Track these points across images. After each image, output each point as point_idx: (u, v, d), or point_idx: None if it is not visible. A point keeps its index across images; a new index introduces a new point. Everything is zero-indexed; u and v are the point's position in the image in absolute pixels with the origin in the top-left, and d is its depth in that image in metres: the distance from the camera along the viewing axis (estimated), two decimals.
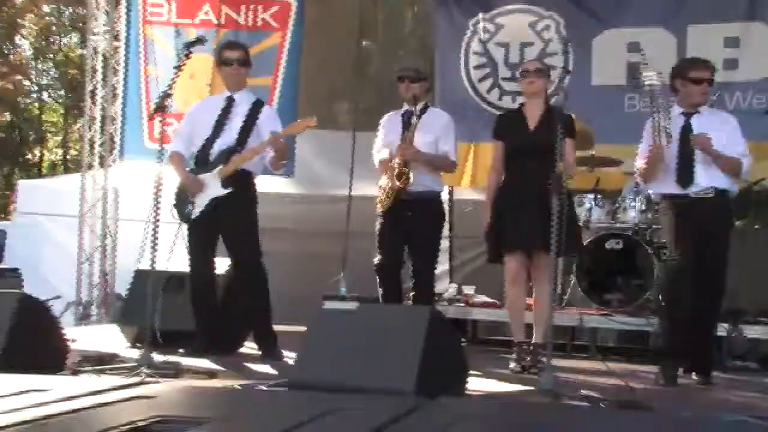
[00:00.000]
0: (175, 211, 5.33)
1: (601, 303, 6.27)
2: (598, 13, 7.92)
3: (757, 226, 6.64)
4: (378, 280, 5.54)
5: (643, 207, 6.32)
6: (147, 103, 8.55)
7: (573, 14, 7.98)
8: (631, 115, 7.42)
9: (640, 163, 5.17)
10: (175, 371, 4.10)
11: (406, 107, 5.62)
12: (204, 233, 5.27)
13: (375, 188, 8.96)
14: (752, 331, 5.76)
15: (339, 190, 8.95)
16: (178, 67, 5.14)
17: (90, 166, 8.58)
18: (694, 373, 4.90)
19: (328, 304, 3.59)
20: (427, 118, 5.52)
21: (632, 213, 6.39)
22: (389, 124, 5.69)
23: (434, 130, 5.46)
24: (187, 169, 5.46)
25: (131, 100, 8.54)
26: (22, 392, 2.69)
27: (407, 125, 5.50)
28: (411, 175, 5.35)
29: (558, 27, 8.01)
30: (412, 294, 5.55)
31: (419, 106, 5.51)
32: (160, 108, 4.79)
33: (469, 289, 7.22)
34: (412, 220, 5.38)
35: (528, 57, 8.07)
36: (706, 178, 5.00)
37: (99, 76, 8.54)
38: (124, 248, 8.64)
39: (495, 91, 8.13)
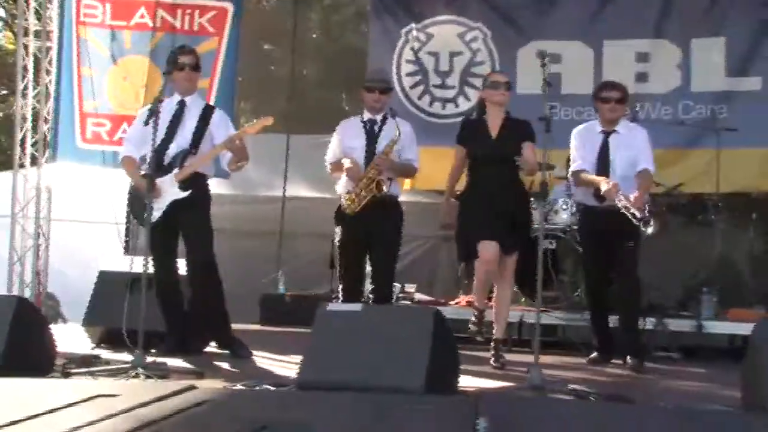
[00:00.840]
0: (131, 216, 5.42)
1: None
2: (523, 27, 8.42)
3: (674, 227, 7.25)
4: (342, 288, 5.73)
5: (573, 210, 6.77)
6: (80, 103, 8.50)
7: (499, 26, 8.45)
8: (554, 122, 7.85)
9: (577, 169, 5.61)
10: (166, 372, 4.24)
11: (367, 115, 5.82)
12: (164, 236, 5.32)
13: (306, 190, 9.31)
14: (674, 325, 6.29)
15: (272, 192, 9.14)
16: (169, 72, 5.26)
17: (21, 166, 8.46)
18: (628, 357, 5.38)
19: (332, 306, 3.77)
20: (390, 127, 5.76)
21: (563, 215, 6.86)
22: (348, 130, 5.87)
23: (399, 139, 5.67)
24: (141, 173, 5.48)
25: (64, 100, 8.46)
26: (91, 398, 2.77)
27: (371, 133, 5.74)
28: (385, 182, 5.59)
29: (485, 38, 8.45)
30: (372, 295, 5.75)
31: (381, 115, 5.78)
32: (154, 112, 4.86)
33: (410, 287, 7.52)
34: (375, 223, 5.59)
35: (457, 66, 8.51)
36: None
37: (30, 76, 8.43)
38: (55, 248, 8.59)
39: (426, 98, 8.50)
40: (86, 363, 4.41)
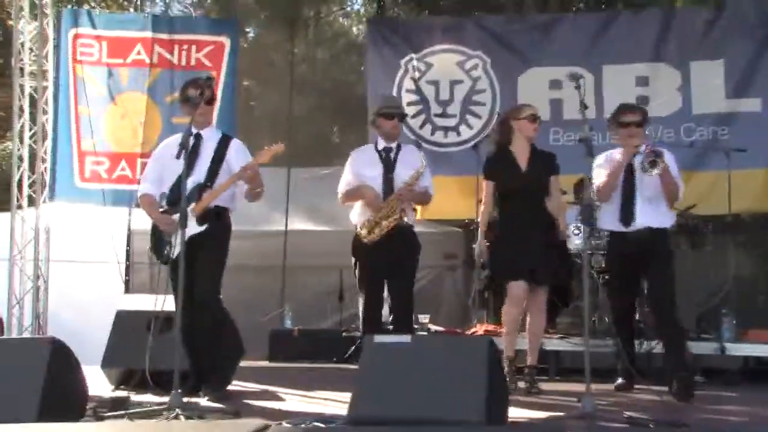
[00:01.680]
0: (153, 254, 5.21)
1: (552, 326, 6.58)
2: (522, 53, 8.40)
3: (684, 248, 7.16)
4: (364, 318, 5.61)
5: (587, 234, 6.65)
6: (78, 142, 8.35)
7: (499, 54, 8.43)
8: (557, 147, 7.80)
9: (598, 182, 5.47)
10: (203, 412, 4.07)
11: (382, 144, 5.70)
12: (184, 272, 5.14)
13: (306, 223, 9.17)
14: (696, 348, 6.17)
15: (273, 226, 8.99)
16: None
17: (19, 207, 8.25)
18: (674, 384, 5.15)
19: (379, 338, 3.61)
20: (404, 155, 5.67)
21: (576, 240, 6.74)
22: (363, 159, 5.75)
23: (415, 166, 5.57)
24: (160, 210, 5.35)
25: (62, 139, 8.32)
26: None
27: (387, 162, 5.63)
28: (406, 212, 5.51)
29: (485, 66, 8.41)
30: (392, 325, 5.62)
31: (395, 143, 5.69)
32: (184, 146, 4.70)
33: (424, 318, 7.38)
34: (395, 252, 5.47)
35: (457, 94, 8.45)
36: (644, 218, 5.39)
37: (26, 116, 8.26)
38: (52, 290, 8.37)
39: (427, 127, 8.43)
40: (118, 405, 4.22)
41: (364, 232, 5.54)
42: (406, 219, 5.53)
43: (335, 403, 4.80)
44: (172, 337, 5.24)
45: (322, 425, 3.48)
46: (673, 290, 5.28)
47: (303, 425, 3.52)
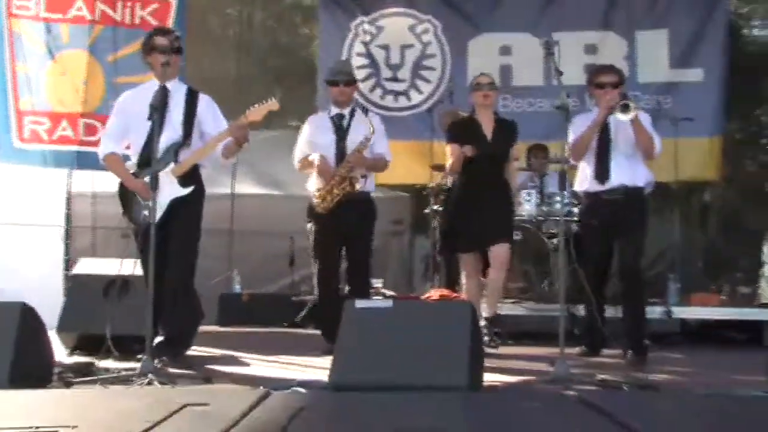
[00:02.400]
0: (127, 218, 4.97)
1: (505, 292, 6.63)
2: (473, 18, 8.40)
3: None
4: (318, 284, 5.56)
5: (538, 201, 6.72)
6: (16, 101, 7.98)
7: (449, 19, 8.40)
8: (507, 114, 7.81)
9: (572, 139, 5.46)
10: (174, 378, 3.97)
11: (335, 110, 5.63)
12: (159, 236, 4.67)
13: (253, 187, 9.02)
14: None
15: (220, 189, 8.81)
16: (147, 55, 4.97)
17: None
18: (630, 351, 5.27)
19: (360, 303, 3.56)
20: (357, 121, 5.59)
21: (528, 206, 6.78)
22: (316, 126, 5.67)
23: (367, 133, 5.48)
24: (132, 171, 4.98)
25: None
26: (181, 408, 2.47)
27: (340, 129, 5.56)
28: (358, 179, 5.41)
29: (436, 30, 8.38)
30: (349, 292, 5.58)
31: (348, 109, 5.61)
32: (156, 108, 4.48)
33: (377, 283, 7.37)
34: (349, 220, 5.43)
35: (408, 58, 8.38)
36: (619, 175, 5.38)
37: None
38: None
39: (377, 91, 8.37)
40: (83, 371, 4.08)
41: (317, 200, 5.48)
42: (359, 186, 5.44)
43: (301, 368, 4.77)
44: (129, 301, 5.14)
45: (302, 390, 3.43)
46: (641, 255, 5.35)
47: (289, 391, 3.45)
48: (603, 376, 3.91)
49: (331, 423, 2.56)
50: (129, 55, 7.79)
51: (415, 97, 8.35)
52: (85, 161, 7.77)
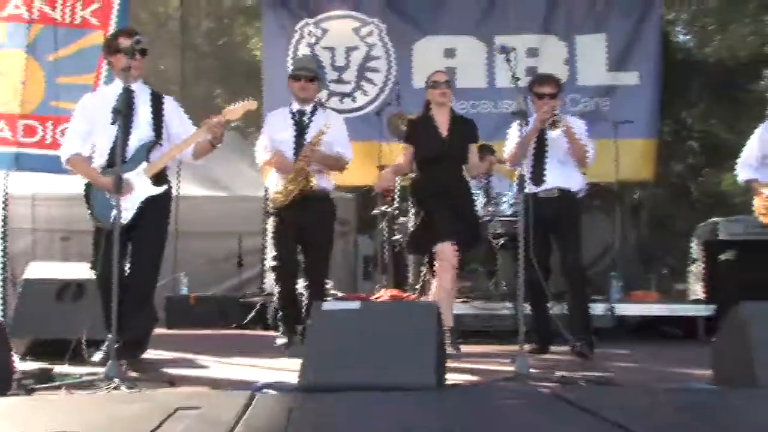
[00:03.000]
0: (94, 220, 4.79)
1: None
2: (418, 21, 8.50)
3: None
4: (276, 279, 5.53)
5: (484, 201, 6.82)
6: None
7: (394, 21, 8.48)
8: None
9: (510, 147, 5.61)
10: (139, 383, 3.92)
11: (296, 106, 5.59)
12: (126, 237, 4.67)
13: (197, 188, 8.92)
14: None
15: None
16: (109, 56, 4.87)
17: None
18: (576, 344, 5.37)
19: (327, 305, 3.56)
20: (319, 118, 5.57)
21: None
22: (276, 122, 5.62)
23: (329, 131, 5.46)
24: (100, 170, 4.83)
25: None
26: (174, 412, 2.44)
27: (300, 125, 5.52)
28: (314, 174, 5.39)
29: (381, 33, 8.43)
30: (306, 291, 5.57)
31: (311, 106, 5.59)
32: (120, 112, 4.40)
33: (328, 283, 7.34)
34: (308, 219, 5.42)
35: (353, 60, 8.41)
36: (553, 178, 5.56)
37: None
38: None
39: (323, 93, 8.32)
40: (43, 377, 3.98)
41: (275, 196, 5.46)
42: (314, 181, 5.41)
43: (261, 369, 4.75)
44: (83, 305, 5.04)
45: (273, 392, 3.44)
46: (581, 252, 5.50)
47: (273, 393, 3.45)
48: (561, 373, 4.01)
49: (332, 423, 2.57)
50: (70, 55, 7.63)
51: (361, 99, 8.40)
52: (24, 163, 7.56)
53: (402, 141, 5.76)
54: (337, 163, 5.63)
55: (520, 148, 5.34)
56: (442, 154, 5.46)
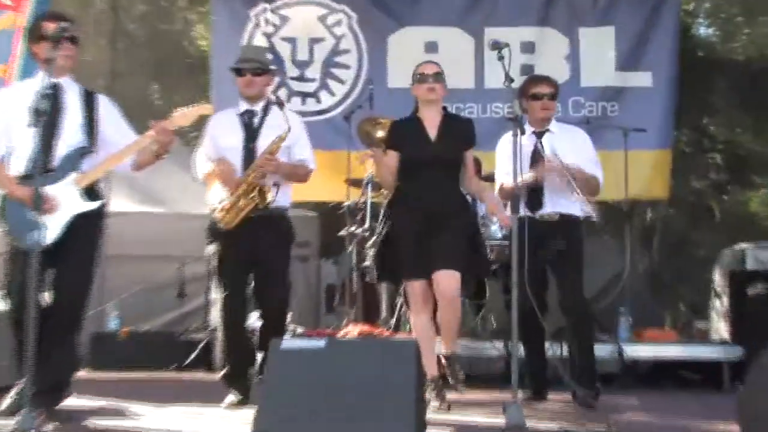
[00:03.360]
0: (11, 239, 4.73)
1: None
2: (394, 10, 8.56)
3: None
4: (222, 317, 5.47)
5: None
6: None
7: (367, 9, 8.54)
8: None
9: (502, 180, 5.68)
10: None
11: (244, 106, 5.52)
12: (48, 261, 4.63)
13: (133, 204, 8.89)
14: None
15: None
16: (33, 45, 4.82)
17: None
18: (577, 391, 5.39)
19: (286, 343, 3.54)
20: (273, 119, 5.48)
21: None
22: (221, 126, 5.55)
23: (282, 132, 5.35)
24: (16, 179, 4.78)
25: None
26: None
27: (250, 128, 5.46)
28: (270, 189, 5.33)
29: (351, 22, 8.49)
30: (261, 326, 5.53)
31: (261, 105, 5.52)
32: (40, 112, 4.34)
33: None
34: (261, 241, 5.35)
35: (318, 54, 8.45)
36: (553, 205, 5.64)
37: None
38: None
39: (282, 92, 8.38)
40: None
41: (219, 215, 5.35)
42: (270, 196, 5.31)
43: (208, 420, 4.75)
44: None
45: None
46: (582, 285, 5.55)
47: None
48: (562, 426, 4.04)
49: None
50: None
51: (327, 100, 8.44)
52: None
53: (369, 148, 5.67)
54: (300, 173, 5.60)
55: (512, 191, 5.25)
56: (430, 159, 5.31)
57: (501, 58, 4.80)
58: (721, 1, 12.13)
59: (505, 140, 5.67)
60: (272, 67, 5.90)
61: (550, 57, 8.43)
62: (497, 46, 4.83)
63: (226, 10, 8.53)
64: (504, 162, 5.60)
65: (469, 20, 8.46)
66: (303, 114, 8.36)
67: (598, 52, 8.51)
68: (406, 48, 8.43)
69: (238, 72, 5.57)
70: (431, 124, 5.42)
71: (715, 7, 12.19)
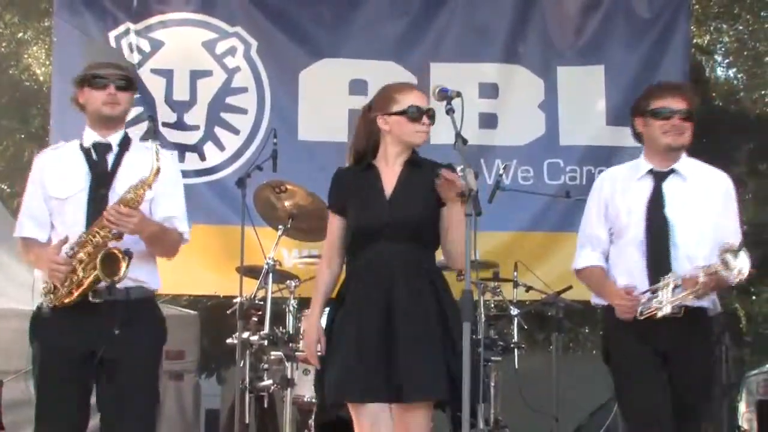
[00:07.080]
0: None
1: None
2: (309, 36, 8.65)
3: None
4: None
5: None
6: None
7: (272, 34, 8.62)
8: None
9: (585, 266, 5.48)
10: None
11: (92, 136, 5.21)
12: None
13: None
14: None
15: None
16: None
17: None
18: None
19: None
20: (135, 156, 5.22)
21: None
22: (56, 166, 5.23)
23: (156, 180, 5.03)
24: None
25: None
26: None
27: (98, 167, 5.14)
28: (124, 257, 5.00)
29: (248, 51, 8.51)
30: None
31: (119, 135, 5.25)
32: None
33: None
34: (108, 340, 4.96)
35: (203, 93, 8.45)
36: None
37: None
38: None
39: (150, 144, 8.31)
40: None
41: (47, 297, 5.03)
42: (123, 267, 4.89)
43: None
44: None
45: None
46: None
47: None
48: None
49: None
50: None
51: (214, 156, 8.48)
52: None
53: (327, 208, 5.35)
54: (169, 239, 5.28)
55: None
56: (385, 226, 4.98)
57: (451, 111, 4.73)
58: (744, 34, 12.31)
59: (601, 181, 5.62)
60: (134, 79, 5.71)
61: (519, 104, 8.60)
62: (444, 95, 4.78)
63: (72, 30, 8.45)
64: (591, 220, 5.47)
65: (410, 52, 8.61)
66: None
67: (583, 100, 8.73)
68: (324, 87, 8.53)
69: (94, 83, 5.20)
70: (389, 174, 5.11)
71: (736, 41, 12.33)
